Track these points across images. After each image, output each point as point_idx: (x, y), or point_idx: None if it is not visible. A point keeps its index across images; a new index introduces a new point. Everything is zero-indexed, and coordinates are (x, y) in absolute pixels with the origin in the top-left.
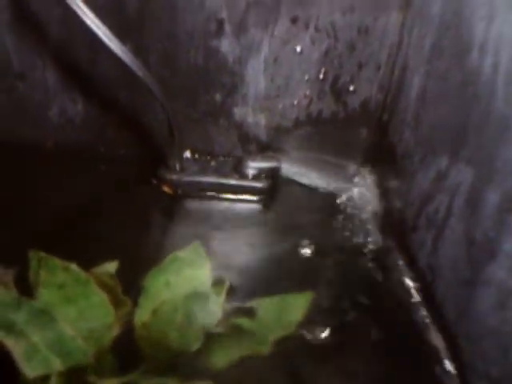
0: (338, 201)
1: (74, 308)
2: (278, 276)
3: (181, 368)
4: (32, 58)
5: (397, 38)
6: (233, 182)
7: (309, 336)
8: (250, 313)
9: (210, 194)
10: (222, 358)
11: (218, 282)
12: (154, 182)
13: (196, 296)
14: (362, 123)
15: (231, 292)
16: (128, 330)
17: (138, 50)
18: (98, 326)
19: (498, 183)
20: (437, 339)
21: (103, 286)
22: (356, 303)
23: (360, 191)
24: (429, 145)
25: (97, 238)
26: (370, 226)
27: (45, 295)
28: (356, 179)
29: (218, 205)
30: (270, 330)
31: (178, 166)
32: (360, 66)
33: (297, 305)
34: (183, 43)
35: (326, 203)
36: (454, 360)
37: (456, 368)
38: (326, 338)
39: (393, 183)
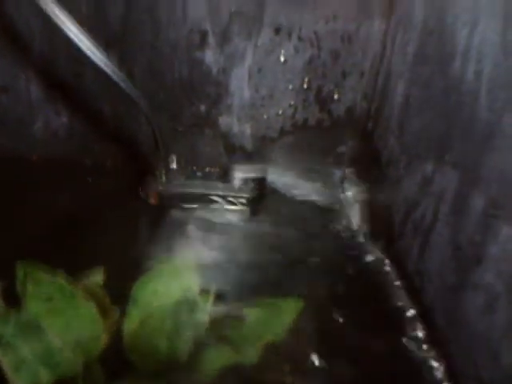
0: (325, 208)
1: (62, 319)
2: (265, 285)
3: (169, 377)
4: (15, 70)
5: (380, 46)
6: (219, 192)
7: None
8: (238, 320)
9: (196, 204)
10: (210, 367)
11: (205, 290)
12: (141, 193)
13: (184, 304)
14: (347, 131)
15: (219, 300)
16: (116, 340)
17: (121, 63)
18: (85, 336)
19: (484, 188)
20: (427, 345)
21: (91, 296)
22: (343, 311)
23: (346, 199)
24: (413, 151)
25: (84, 248)
26: (357, 234)
27: (32, 307)
28: (342, 187)
29: (204, 215)
30: (258, 338)
31: (164, 177)
32: (344, 75)
33: (285, 311)
34: (167, 55)
35: (313, 211)
36: (445, 365)
37: (447, 373)
38: (314, 344)
39: (379, 190)
